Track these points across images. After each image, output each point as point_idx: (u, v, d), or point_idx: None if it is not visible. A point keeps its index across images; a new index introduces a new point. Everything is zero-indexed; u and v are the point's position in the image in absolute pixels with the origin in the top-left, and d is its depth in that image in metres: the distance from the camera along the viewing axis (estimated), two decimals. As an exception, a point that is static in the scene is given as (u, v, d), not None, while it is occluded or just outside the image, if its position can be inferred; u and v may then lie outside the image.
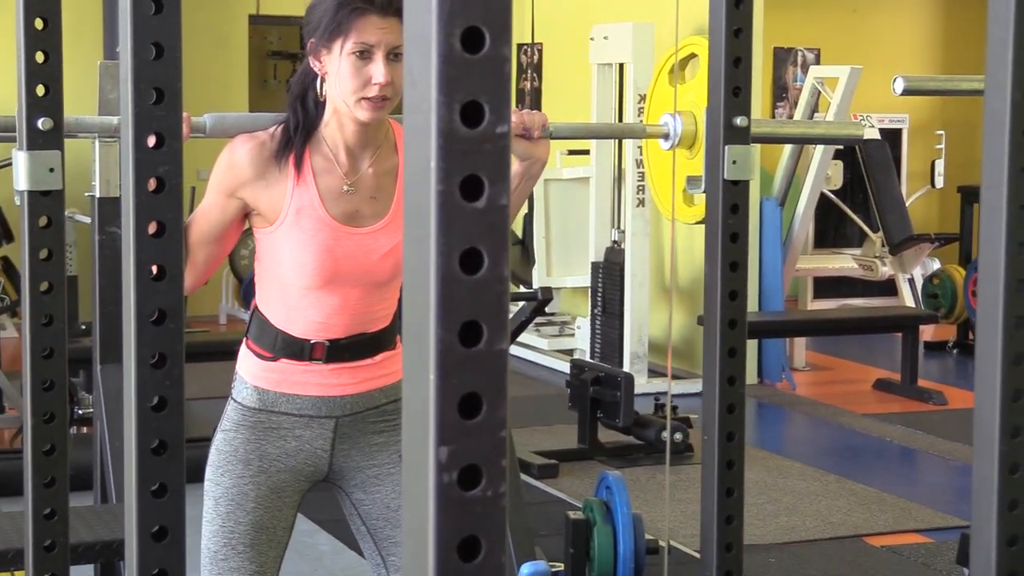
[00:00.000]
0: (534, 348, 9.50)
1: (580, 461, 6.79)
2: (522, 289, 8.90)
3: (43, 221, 2.48)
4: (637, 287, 8.57)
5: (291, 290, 2.83)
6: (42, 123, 2.45)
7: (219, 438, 2.87)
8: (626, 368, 8.28)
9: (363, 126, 2.79)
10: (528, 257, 9.55)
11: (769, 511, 6.06)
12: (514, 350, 9.18)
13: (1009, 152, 1.83)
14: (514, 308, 7.21)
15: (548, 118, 2.84)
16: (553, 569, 4.15)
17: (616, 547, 4.42)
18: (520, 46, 10.74)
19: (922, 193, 11.00)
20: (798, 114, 9.46)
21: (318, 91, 2.80)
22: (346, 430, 2.90)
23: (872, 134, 9.77)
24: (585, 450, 6.88)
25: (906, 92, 3.96)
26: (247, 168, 2.78)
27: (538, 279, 9.28)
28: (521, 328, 7.09)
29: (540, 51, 10.69)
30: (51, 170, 2.46)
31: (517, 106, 10.72)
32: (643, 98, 8.14)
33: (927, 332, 9.58)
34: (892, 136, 10.72)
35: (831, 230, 11.04)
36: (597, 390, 6.77)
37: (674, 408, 6.91)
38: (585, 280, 9.21)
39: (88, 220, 4.94)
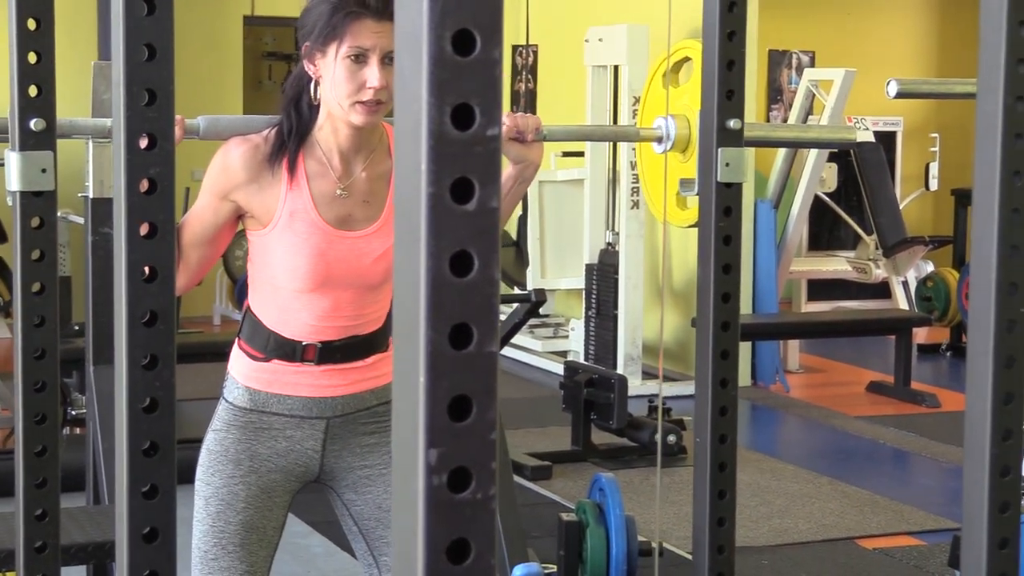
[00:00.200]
0: (528, 350, 9.50)
1: (573, 463, 6.79)
2: (516, 291, 8.89)
3: (35, 222, 2.48)
4: (631, 289, 8.57)
5: (283, 292, 2.83)
6: (35, 124, 2.45)
7: (210, 438, 2.88)
8: (620, 370, 8.28)
9: (357, 130, 2.79)
10: (522, 259, 9.55)
11: (762, 513, 6.06)
12: (508, 352, 9.18)
13: (1001, 155, 1.84)
14: (508, 310, 7.20)
15: (542, 121, 2.84)
16: (546, 571, 4.15)
17: (609, 549, 4.42)
18: (515, 48, 10.75)
19: (916, 196, 11.02)
20: (792, 117, 9.47)
21: (312, 95, 2.80)
22: (337, 431, 2.90)
23: (866, 137, 9.78)
24: (578, 452, 6.88)
25: (900, 95, 3.96)
26: (240, 171, 2.78)
27: (532, 281, 9.28)
28: (515, 330, 7.09)
29: (535, 53, 10.70)
30: (43, 171, 2.46)
31: (512, 108, 10.73)
32: (638, 100, 8.14)
33: (920, 335, 9.60)
34: (887, 139, 10.73)
35: (825, 233, 11.05)
36: (591, 392, 6.77)
37: (668, 410, 6.92)
38: (579, 282, 9.22)
39: (81, 220, 4.94)
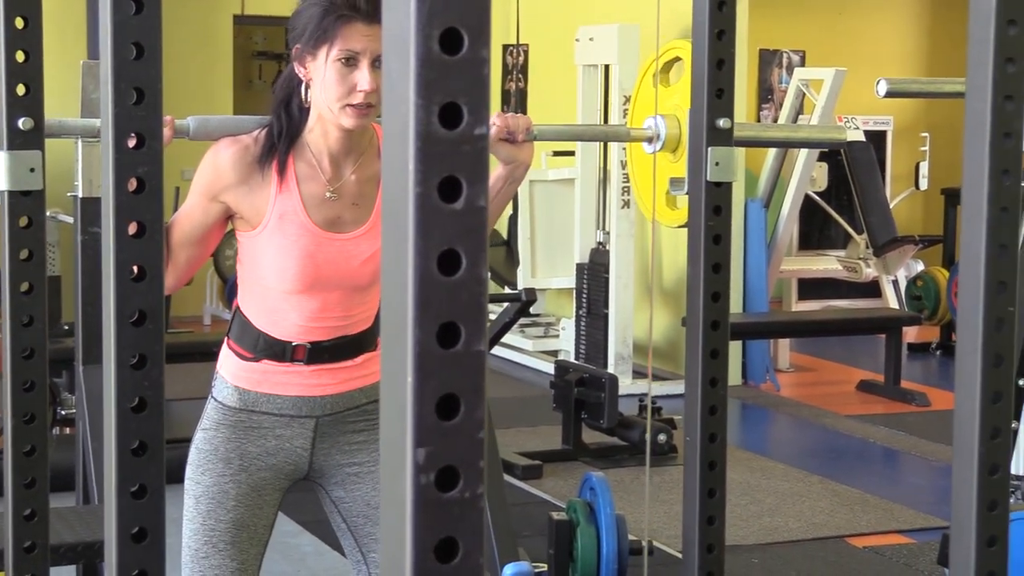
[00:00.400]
0: (519, 349, 9.50)
1: (564, 462, 6.79)
2: (506, 290, 8.89)
3: (23, 221, 2.48)
4: (622, 288, 8.57)
5: (273, 293, 2.83)
6: (23, 123, 2.45)
7: (199, 437, 2.88)
8: (611, 369, 8.29)
9: (347, 133, 2.79)
10: (513, 258, 9.55)
11: (752, 512, 6.06)
12: (499, 351, 9.18)
13: (990, 154, 1.84)
14: (498, 309, 7.20)
15: (532, 121, 2.83)
16: (536, 570, 4.15)
17: (599, 548, 4.42)
18: (505, 47, 10.75)
19: (906, 195, 11.03)
20: (783, 116, 9.48)
21: (303, 97, 2.80)
22: (326, 429, 2.90)
23: (857, 136, 9.79)
24: (569, 451, 6.88)
25: (889, 94, 3.97)
26: (230, 173, 2.78)
27: (523, 280, 9.28)
28: (505, 329, 7.09)
29: (526, 52, 10.70)
30: (32, 170, 2.46)
31: (502, 108, 10.73)
32: (628, 99, 8.14)
33: (910, 334, 9.61)
34: (877, 138, 10.74)
35: (815, 232, 11.06)
36: (581, 391, 6.77)
37: (659, 409, 6.92)
38: (570, 281, 9.22)
39: (71, 220, 4.93)
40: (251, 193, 2.79)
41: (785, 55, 12.16)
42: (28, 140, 2.46)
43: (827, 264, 10.09)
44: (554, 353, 9.25)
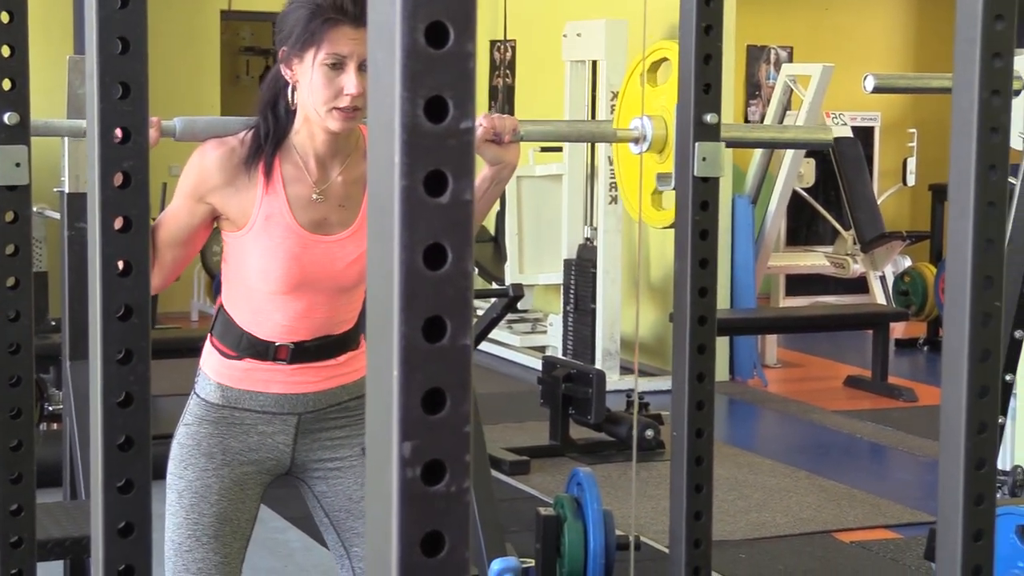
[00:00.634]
0: (506, 345, 9.50)
1: (551, 457, 6.80)
2: (494, 286, 8.90)
3: (9, 216, 2.47)
4: (609, 284, 8.58)
5: (257, 294, 2.83)
6: (8, 118, 2.44)
7: (181, 432, 2.88)
8: (598, 365, 8.29)
9: (333, 135, 2.79)
10: (500, 254, 9.55)
11: (739, 507, 6.07)
12: (486, 347, 9.18)
13: (977, 149, 1.84)
14: (485, 305, 7.20)
15: (518, 122, 2.83)
16: (524, 565, 4.15)
17: (586, 543, 4.43)
18: (493, 43, 10.74)
19: (894, 191, 11.04)
20: (770, 112, 9.49)
21: (289, 99, 2.79)
22: (308, 426, 2.91)
23: (844, 132, 9.80)
24: (556, 447, 6.89)
25: (876, 90, 3.97)
26: (216, 174, 2.78)
27: (510, 276, 9.28)
28: (492, 324, 7.09)
29: (513, 48, 10.69)
30: (17, 165, 2.45)
31: (490, 103, 10.73)
32: (616, 95, 8.15)
33: (898, 329, 9.62)
34: (864, 134, 10.75)
35: (803, 228, 11.07)
36: (569, 387, 6.78)
37: (646, 405, 6.92)
38: (558, 277, 9.22)
39: (58, 216, 4.92)
40: (237, 194, 2.79)
41: (773, 51, 12.17)
42: (14, 135, 2.45)
43: (815, 260, 10.11)
44: (542, 349, 9.25)
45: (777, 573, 5.28)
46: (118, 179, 1.57)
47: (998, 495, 2.02)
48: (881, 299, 9.87)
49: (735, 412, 8.26)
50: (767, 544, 5.63)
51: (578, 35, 8.73)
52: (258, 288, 2.83)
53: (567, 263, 8.95)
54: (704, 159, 2.63)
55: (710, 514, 2.64)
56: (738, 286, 8.96)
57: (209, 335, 2.93)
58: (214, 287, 10.17)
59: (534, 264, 9.57)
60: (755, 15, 11.18)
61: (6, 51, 2.45)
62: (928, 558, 4.21)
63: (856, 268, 9.80)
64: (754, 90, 12.16)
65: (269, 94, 2.82)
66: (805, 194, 10.05)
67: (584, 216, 8.95)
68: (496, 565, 4.05)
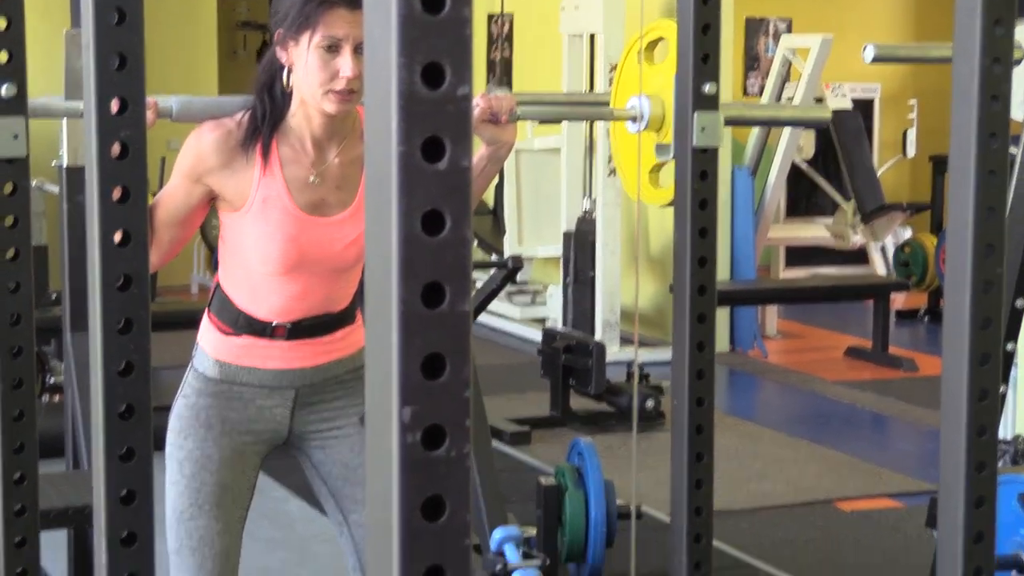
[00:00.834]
0: (506, 317, 9.50)
1: (552, 428, 6.81)
2: (493, 258, 8.90)
3: (8, 188, 2.47)
4: (608, 256, 8.57)
5: (255, 275, 2.84)
6: (5, 89, 2.43)
7: (180, 404, 2.90)
8: (598, 336, 8.30)
9: (330, 117, 2.78)
10: (499, 227, 9.55)
11: (740, 477, 6.08)
12: (486, 319, 9.18)
13: (977, 117, 1.84)
14: (485, 276, 7.20)
15: (515, 102, 2.83)
16: (525, 534, 4.16)
17: (587, 512, 4.44)
18: (490, 16, 10.71)
19: (894, 162, 11.03)
20: (769, 84, 9.47)
21: (285, 81, 2.79)
22: (306, 399, 2.93)
23: (844, 104, 9.78)
24: (557, 417, 6.90)
25: (876, 60, 3.96)
26: (213, 157, 2.78)
27: (509, 249, 9.28)
28: (492, 296, 7.09)
29: (511, 21, 10.66)
30: (15, 136, 2.45)
31: (488, 77, 10.70)
32: (614, 68, 8.12)
33: (898, 300, 9.63)
34: (864, 106, 10.73)
35: (803, 199, 11.06)
36: (569, 358, 6.79)
37: (646, 376, 6.93)
38: (557, 249, 9.22)
39: (57, 190, 4.91)
40: (234, 176, 2.79)
41: (771, 23, 12.14)
42: (11, 107, 2.45)
43: (815, 231, 10.10)
44: (542, 320, 9.26)
45: (778, 542, 5.29)
46: (116, 150, 1.56)
47: (999, 464, 2.03)
48: (881, 270, 9.87)
49: (735, 383, 8.27)
50: (768, 513, 5.64)
51: (576, 8, 8.70)
52: (256, 269, 2.83)
53: (566, 235, 8.94)
54: (703, 129, 2.63)
55: (711, 482, 2.65)
56: (738, 257, 8.95)
57: (207, 311, 2.94)
58: (214, 260, 10.17)
59: (533, 236, 9.57)
60: (754, -14, 11.15)
61: (2, 23, 2.44)
62: (930, 526, 4.22)
63: (856, 239, 9.80)
64: (753, 62, 12.13)
65: (265, 76, 2.82)
66: (805, 166, 10.04)
67: (583, 188, 8.95)
68: (498, 534, 4.06)
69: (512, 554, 4.02)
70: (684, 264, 2.62)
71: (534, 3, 10.24)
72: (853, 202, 9.72)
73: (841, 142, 9.63)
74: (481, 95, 2.74)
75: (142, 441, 1.55)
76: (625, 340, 8.64)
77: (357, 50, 2.69)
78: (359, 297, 2.97)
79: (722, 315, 8.48)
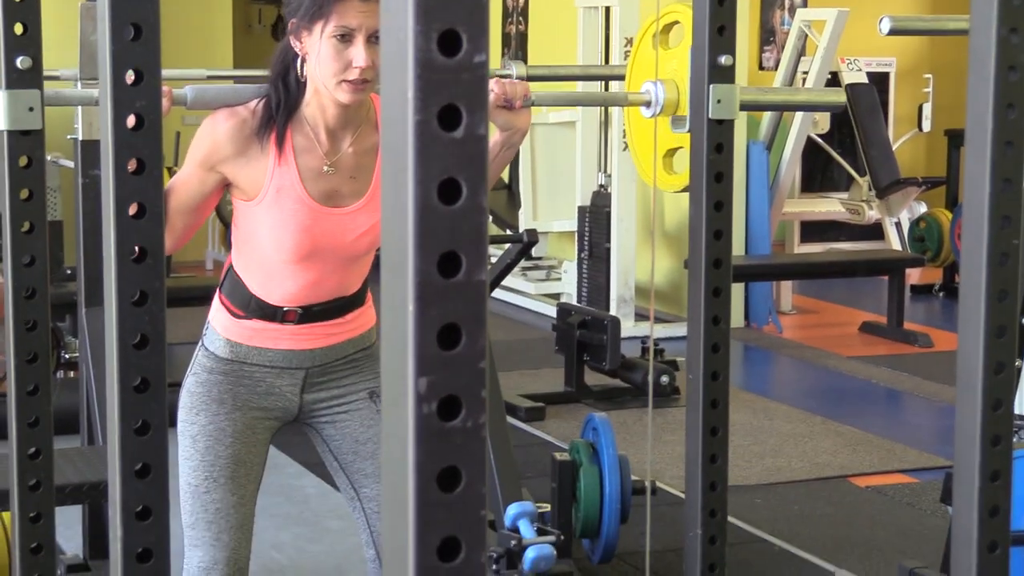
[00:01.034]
0: (521, 292, 9.50)
1: (567, 404, 6.81)
2: (508, 232, 8.89)
3: (23, 161, 2.47)
4: (624, 231, 8.56)
5: (268, 262, 2.85)
6: (21, 62, 2.43)
7: (191, 381, 2.92)
8: (613, 312, 8.29)
9: (343, 107, 2.79)
10: (514, 201, 9.54)
11: (755, 452, 6.08)
12: (501, 294, 9.18)
13: (994, 88, 1.83)
14: (500, 251, 7.20)
15: (530, 87, 2.82)
16: (540, 510, 4.16)
17: (602, 488, 4.44)
18: (506, -11, 10.68)
19: (909, 137, 10.99)
20: (784, 58, 9.43)
21: (299, 71, 2.79)
22: (315, 378, 2.96)
23: (859, 78, 9.75)
24: (572, 393, 6.90)
25: (892, 32, 3.95)
26: (227, 145, 2.78)
27: (524, 223, 9.27)
28: (507, 270, 7.09)
29: (526, -6, 10.63)
30: (31, 109, 2.45)
31: (503, 51, 10.68)
32: (629, 41, 8.10)
33: (913, 275, 9.60)
34: (880, 80, 10.69)
35: (818, 174, 11.04)
36: (584, 333, 6.78)
37: (661, 351, 6.92)
38: (572, 224, 9.20)
39: (72, 164, 4.91)
40: (248, 165, 2.79)
41: (787, -4, 12.08)
42: (26, 79, 2.44)
43: (830, 206, 10.07)
44: (556, 296, 9.25)
45: (792, 517, 5.29)
46: (131, 121, 1.56)
47: (1015, 439, 2.02)
48: (896, 245, 9.84)
49: (750, 358, 8.26)
50: (782, 489, 5.64)
51: (592, -19, 8.68)
52: (269, 256, 2.84)
53: (581, 210, 8.93)
54: (719, 101, 2.62)
55: (726, 457, 2.65)
56: (753, 232, 8.93)
57: (218, 291, 2.95)
58: (228, 237, 10.18)
59: (548, 211, 9.55)
60: (770, -40, 11.10)
61: (18, -5, 2.44)
62: (944, 501, 4.21)
63: (871, 214, 9.77)
64: (768, 36, 12.09)
65: (280, 65, 2.82)
66: (820, 140, 10.00)
67: (598, 163, 8.93)
68: (512, 510, 4.06)
69: (527, 530, 4.02)
70: (699, 237, 2.61)
71: (549, -23, 10.21)
72: (868, 177, 9.69)
73: (856, 117, 9.60)
74: (495, 80, 2.74)
75: (157, 414, 1.55)
76: (640, 315, 8.63)
77: (371, 40, 2.69)
78: (369, 279, 2.98)
79: (737, 290, 8.47)
